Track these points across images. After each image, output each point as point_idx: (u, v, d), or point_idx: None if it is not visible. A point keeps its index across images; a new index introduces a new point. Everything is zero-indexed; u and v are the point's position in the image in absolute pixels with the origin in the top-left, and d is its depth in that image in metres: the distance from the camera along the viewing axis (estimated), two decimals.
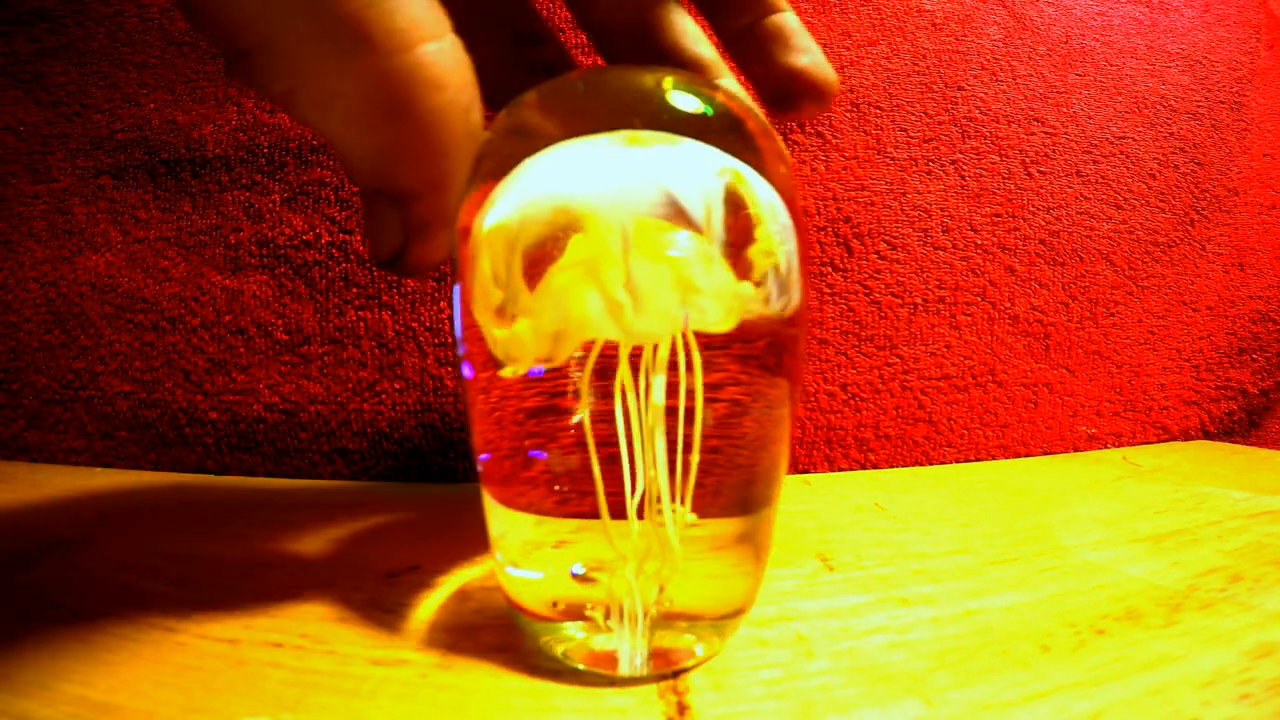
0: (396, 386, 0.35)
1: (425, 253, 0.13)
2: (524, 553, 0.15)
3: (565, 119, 0.13)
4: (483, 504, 0.15)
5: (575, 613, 0.14)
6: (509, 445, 0.14)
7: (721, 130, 0.13)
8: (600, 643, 0.14)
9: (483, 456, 0.15)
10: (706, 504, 0.14)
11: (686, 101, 0.13)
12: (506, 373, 0.13)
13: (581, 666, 0.14)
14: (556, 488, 0.14)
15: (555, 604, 0.14)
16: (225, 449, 0.36)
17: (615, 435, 0.13)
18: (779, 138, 0.15)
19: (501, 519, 0.15)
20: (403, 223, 0.13)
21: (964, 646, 0.15)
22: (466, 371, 0.14)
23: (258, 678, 0.14)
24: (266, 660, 0.15)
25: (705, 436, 0.13)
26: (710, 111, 0.14)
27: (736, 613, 0.15)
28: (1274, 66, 0.45)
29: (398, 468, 0.36)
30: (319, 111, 0.12)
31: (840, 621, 0.17)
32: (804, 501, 0.30)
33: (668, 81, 0.14)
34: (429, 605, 0.18)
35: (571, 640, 0.14)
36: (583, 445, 0.13)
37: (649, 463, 0.13)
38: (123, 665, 0.14)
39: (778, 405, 0.14)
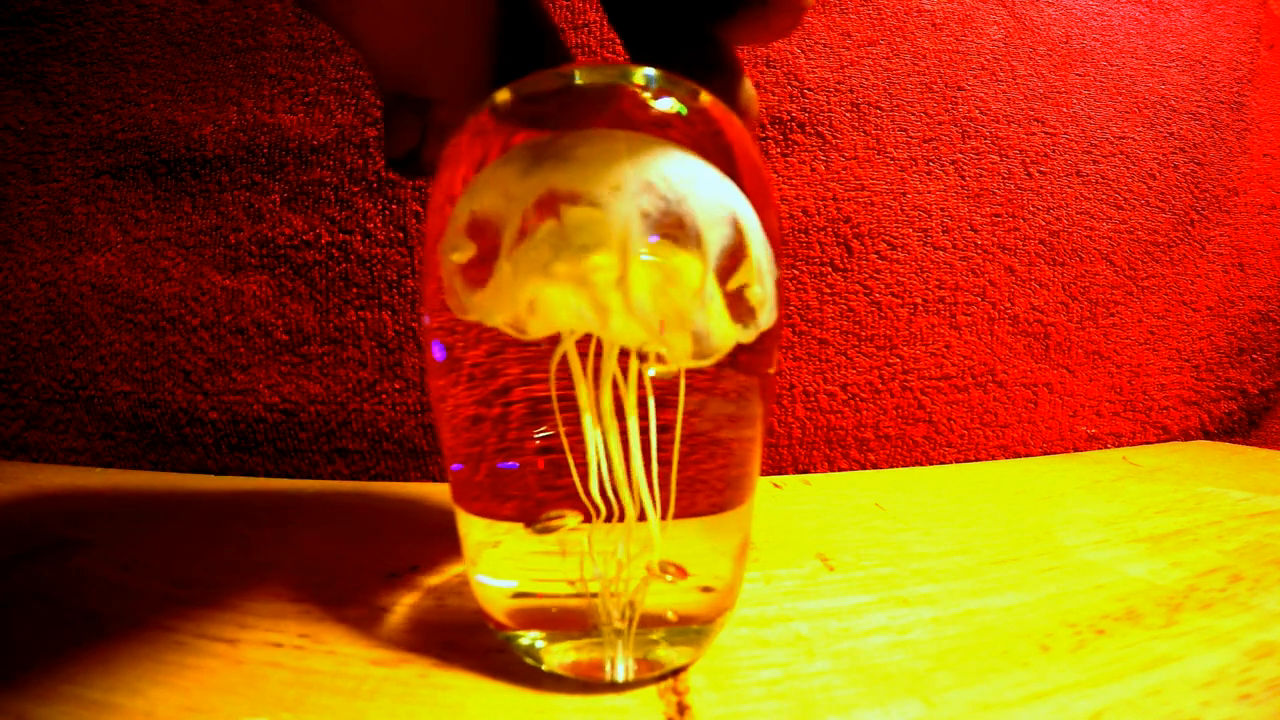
0: (396, 386, 0.35)
1: (437, 155, 0.15)
2: (478, 554, 0.15)
3: (545, 112, 0.13)
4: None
5: (536, 621, 0.14)
6: (463, 452, 0.14)
7: (699, 133, 0.13)
8: (574, 651, 0.14)
9: (454, 467, 0.15)
10: (677, 503, 0.13)
11: (666, 103, 0.13)
12: (660, 370, 0.13)
13: (559, 671, 0.14)
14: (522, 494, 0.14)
15: (519, 612, 0.14)
16: (225, 449, 0.36)
17: (573, 443, 0.13)
18: (758, 145, 0.14)
19: (462, 523, 0.15)
20: (421, 126, 0.15)
21: (964, 646, 0.15)
22: (438, 353, 0.14)
23: (258, 678, 0.14)
24: (266, 660, 0.15)
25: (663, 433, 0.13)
26: (685, 112, 0.13)
27: (719, 613, 0.14)
28: (1274, 66, 0.45)
29: (398, 468, 0.36)
30: (358, 17, 0.13)
31: (840, 621, 0.17)
32: (804, 501, 0.30)
33: (650, 80, 0.14)
34: (429, 605, 0.18)
35: (532, 649, 0.14)
36: (547, 452, 0.13)
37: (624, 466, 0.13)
38: (123, 665, 0.14)
39: (741, 401, 0.14)
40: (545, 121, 0.13)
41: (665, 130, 0.13)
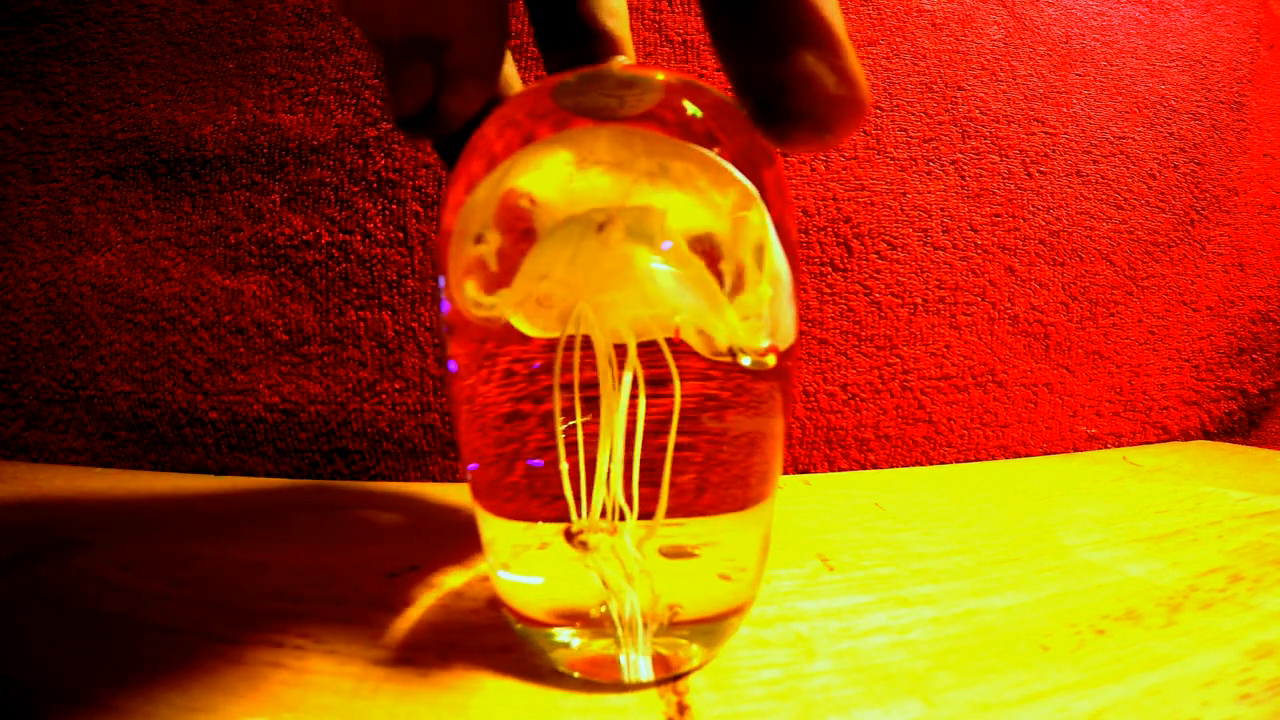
0: (396, 386, 0.35)
1: (458, 103, 0.13)
2: (514, 556, 0.15)
3: (558, 116, 0.13)
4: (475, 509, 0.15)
5: (570, 617, 0.14)
6: (492, 452, 0.14)
7: (708, 132, 0.13)
8: (597, 649, 0.14)
9: (471, 466, 0.15)
10: (694, 502, 0.14)
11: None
12: (750, 363, 0.13)
13: (576, 674, 0.14)
14: (545, 492, 0.14)
15: (553, 611, 0.14)
16: (225, 449, 0.36)
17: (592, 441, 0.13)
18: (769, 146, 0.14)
19: (490, 525, 0.15)
20: (434, 72, 0.13)
21: (964, 646, 0.15)
22: (453, 366, 0.14)
23: (258, 678, 0.14)
24: (266, 660, 0.15)
25: (684, 433, 0.13)
26: (699, 114, 0.13)
27: (736, 612, 0.15)
28: (1274, 66, 0.45)
29: (398, 468, 0.36)
30: None
31: (840, 621, 0.17)
32: (804, 501, 0.30)
33: (655, 81, 0.14)
34: (429, 605, 0.18)
35: (565, 646, 0.14)
36: (568, 450, 0.13)
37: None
38: (123, 665, 0.14)
39: (765, 401, 0.14)
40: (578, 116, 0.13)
41: (694, 134, 0.13)
